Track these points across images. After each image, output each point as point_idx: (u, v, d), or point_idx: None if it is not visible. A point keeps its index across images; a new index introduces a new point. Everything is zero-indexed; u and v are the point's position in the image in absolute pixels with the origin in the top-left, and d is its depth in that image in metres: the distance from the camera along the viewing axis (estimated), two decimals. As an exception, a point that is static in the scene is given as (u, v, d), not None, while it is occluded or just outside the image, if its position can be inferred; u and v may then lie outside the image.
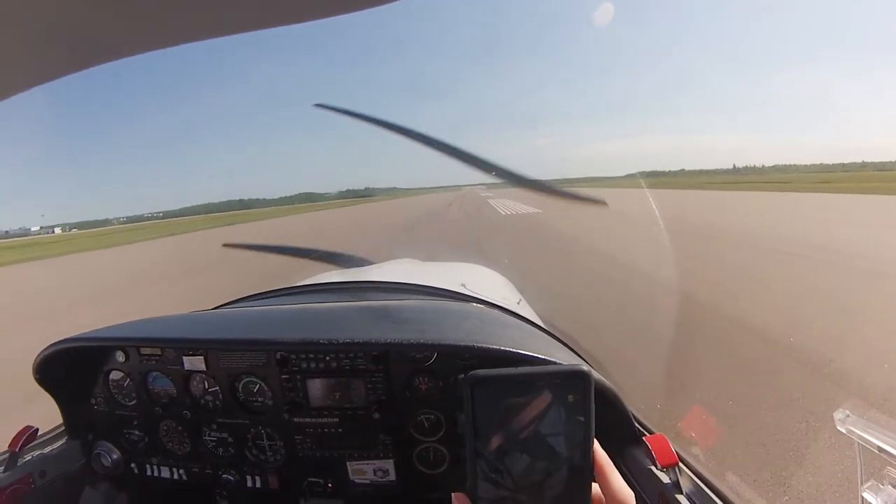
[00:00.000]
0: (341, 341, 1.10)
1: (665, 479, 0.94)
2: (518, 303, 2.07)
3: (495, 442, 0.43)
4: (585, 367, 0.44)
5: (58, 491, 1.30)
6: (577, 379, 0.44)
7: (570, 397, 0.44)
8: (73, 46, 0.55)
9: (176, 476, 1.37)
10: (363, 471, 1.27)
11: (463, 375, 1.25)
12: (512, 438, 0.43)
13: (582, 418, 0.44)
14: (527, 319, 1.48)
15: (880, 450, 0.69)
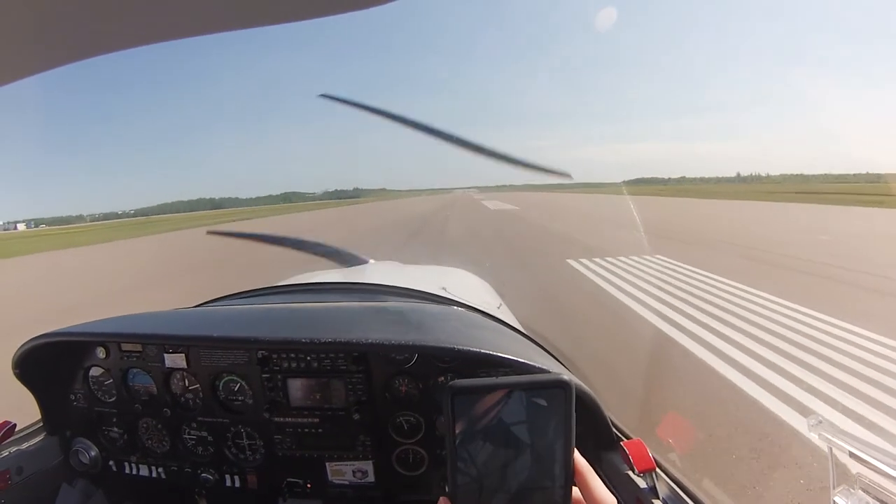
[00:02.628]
0: (323, 341, 1.10)
1: (642, 484, 0.95)
2: (498, 307, 2.09)
3: (480, 449, 0.44)
4: (566, 377, 0.45)
5: (35, 487, 1.27)
6: (558, 388, 0.45)
7: (552, 406, 0.44)
8: (57, 40, 0.53)
9: (154, 474, 1.34)
10: (342, 471, 1.27)
11: (442, 378, 1.24)
12: (497, 443, 0.44)
13: (563, 426, 0.44)
14: (506, 323, 1.49)
15: (851, 455, 0.71)
